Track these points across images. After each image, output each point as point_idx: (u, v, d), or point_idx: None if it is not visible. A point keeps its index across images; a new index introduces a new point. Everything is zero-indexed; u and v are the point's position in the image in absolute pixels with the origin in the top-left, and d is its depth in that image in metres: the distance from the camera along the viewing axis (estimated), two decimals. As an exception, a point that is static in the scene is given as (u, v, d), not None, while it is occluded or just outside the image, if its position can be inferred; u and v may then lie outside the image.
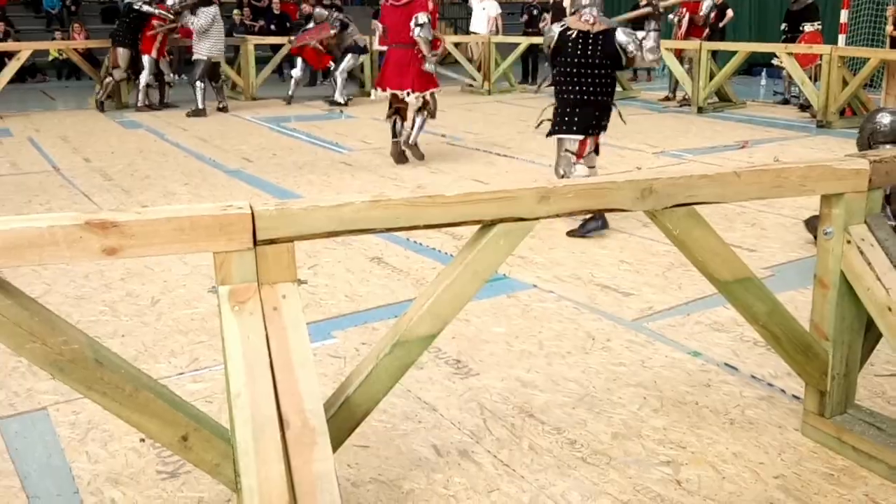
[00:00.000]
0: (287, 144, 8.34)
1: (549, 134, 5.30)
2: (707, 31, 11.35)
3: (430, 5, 6.83)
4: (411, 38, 6.76)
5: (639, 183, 2.28)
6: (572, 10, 5.24)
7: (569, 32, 5.00)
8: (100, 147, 7.99)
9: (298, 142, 8.49)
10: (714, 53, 10.76)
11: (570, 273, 4.35)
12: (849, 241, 2.40)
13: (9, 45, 12.59)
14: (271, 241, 1.88)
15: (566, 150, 5.20)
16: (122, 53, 10.35)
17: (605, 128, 5.24)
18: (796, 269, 4.34)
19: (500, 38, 13.64)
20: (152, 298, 3.85)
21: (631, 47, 4.87)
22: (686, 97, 11.06)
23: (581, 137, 5.10)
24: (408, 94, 6.95)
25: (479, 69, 13.26)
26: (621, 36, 4.89)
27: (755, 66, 13.87)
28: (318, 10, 11.53)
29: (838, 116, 9.17)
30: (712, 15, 11.30)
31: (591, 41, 4.93)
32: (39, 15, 16.39)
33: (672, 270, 4.31)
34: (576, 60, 4.95)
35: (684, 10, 11.57)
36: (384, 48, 7.41)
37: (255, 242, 1.86)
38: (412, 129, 7.25)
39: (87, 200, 5.80)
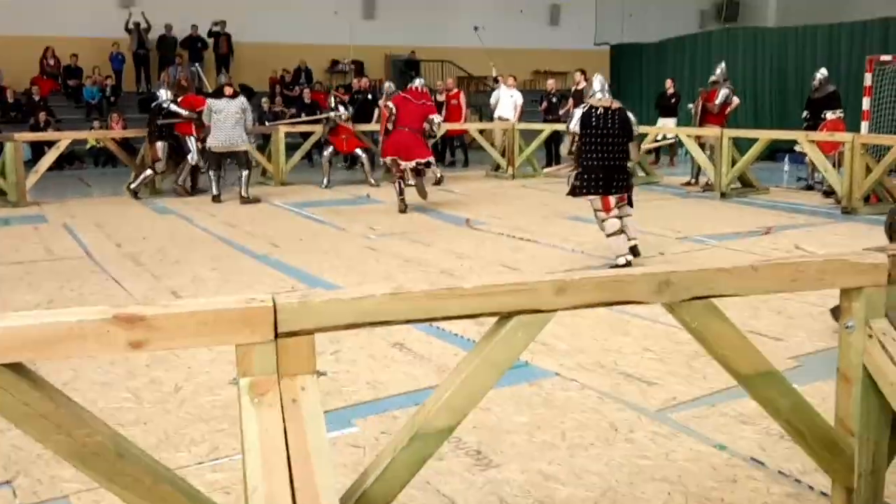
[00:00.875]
0: (314, 229, 8.50)
1: (577, 195, 6.52)
2: (725, 118, 11.60)
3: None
4: (420, 125, 9.42)
5: (656, 276, 2.30)
6: (590, 95, 6.54)
7: (594, 110, 6.31)
8: (132, 233, 8.20)
9: (325, 227, 8.64)
10: (735, 139, 10.90)
11: (593, 361, 4.33)
12: (870, 336, 2.38)
13: (48, 135, 13.10)
14: (292, 334, 1.92)
15: (595, 209, 6.55)
16: (161, 147, 10.77)
17: (630, 186, 6.51)
18: (824, 359, 4.27)
19: (525, 125, 13.94)
20: (175, 385, 3.88)
21: (634, 121, 6.42)
22: (709, 182, 11.15)
23: (602, 196, 6.37)
24: (422, 162, 9.36)
25: (502, 154, 13.52)
26: (630, 114, 6.42)
27: (777, 151, 13.98)
28: (388, 83, 12.47)
29: (863, 203, 9.16)
30: (729, 103, 11.58)
31: (611, 115, 6.30)
32: (80, 105, 17.07)
33: (697, 359, 4.26)
34: (601, 131, 6.25)
35: (701, 99, 11.87)
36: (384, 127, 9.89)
37: (277, 335, 1.90)
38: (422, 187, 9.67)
39: (118, 286, 5.92)
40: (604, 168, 6.26)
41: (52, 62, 17.41)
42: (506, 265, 6.61)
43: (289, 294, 1.98)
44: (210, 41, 18.42)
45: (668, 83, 14.70)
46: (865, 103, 11.72)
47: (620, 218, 6.43)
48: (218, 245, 7.57)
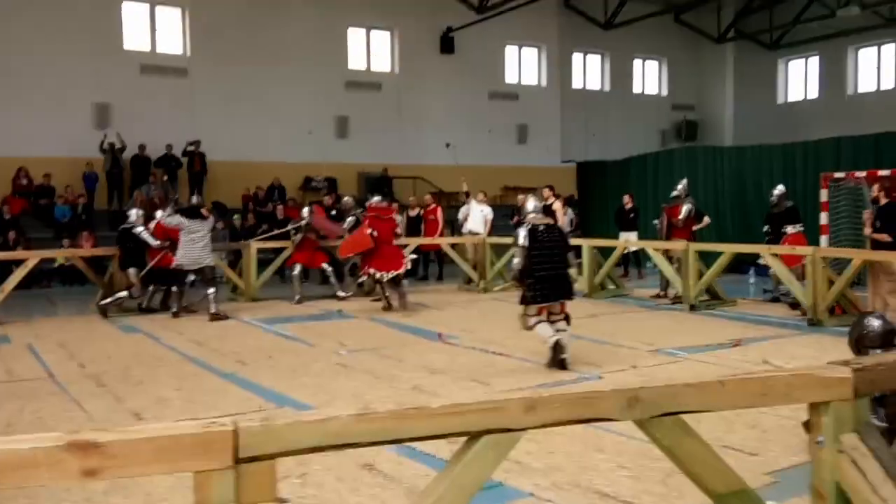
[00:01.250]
0: (283, 346, 8.40)
1: (533, 303, 7.04)
2: (690, 232, 11.92)
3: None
4: (393, 238, 10.97)
5: (625, 392, 2.29)
6: (528, 214, 7.31)
7: (537, 227, 7.08)
8: (96, 353, 8.03)
9: (294, 343, 8.55)
10: (700, 253, 11.15)
11: (568, 479, 4.23)
12: (841, 451, 2.37)
13: (16, 254, 13.01)
14: (254, 459, 1.86)
15: (549, 314, 7.05)
16: (133, 273, 10.76)
17: (572, 293, 7.31)
18: (800, 474, 4.20)
19: (496, 239, 14.16)
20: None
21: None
22: (678, 295, 11.29)
23: (559, 302, 7.11)
24: (399, 274, 10.66)
25: (474, 268, 13.66)
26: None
27: (743, 263, 14.28)
28: (347, 198, 12.90)
29: (828, 315, 9.30)
30: (690, 218, 11.97)
31: (552, 231, 7.22)
32: (50, 224, 17.06)
33: (672, 476, 4.17)
34: (547, 245, 7.03)
35: (665, 214, 12.24)
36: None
37: (237, 460, 1.84)
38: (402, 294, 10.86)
39: (78, 408, 5.74)
40: (553, 277, 7.04)
41: (24, 181, 17.51)
42: (478, 380, 6.54)
43: (251, 418, 1.93)
44: (184, 160, 18.72)
45: (626, 198, 15.12)
46: (823, 218, 12.11)
47: (549, 320, 7.15)
48: (183, 364, 7.43)
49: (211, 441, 1.81)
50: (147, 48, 19.39)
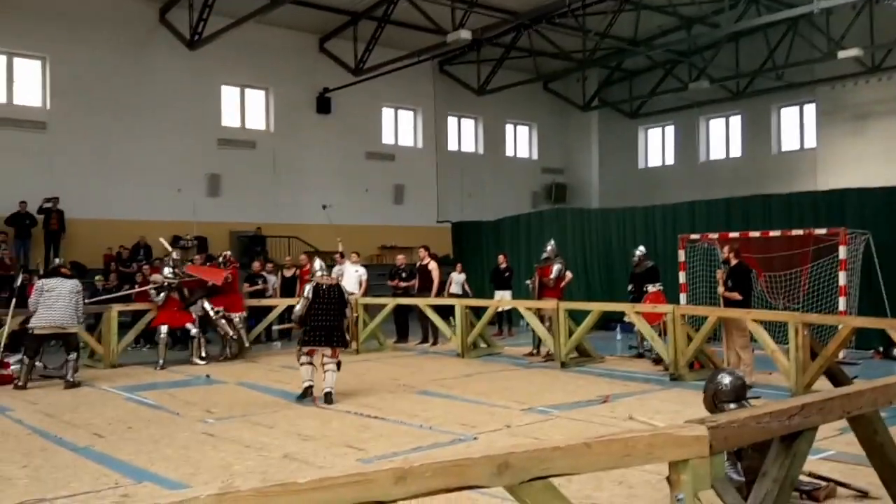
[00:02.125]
0: (145, 415, 7.93)
1: (306, 345, 8.55)
2: (560, 292, 12.33)
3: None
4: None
5: (495, 458, 2.30)
6: (314, 274, 8.93)
7: (320, 286, 8.64)
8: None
9: (158, 412, 8.09)
10: (570, 311, 11.52)
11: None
12: (700, 508, 2.45)
13: None
14: (101, 549, 1.72)
15: (323, 356, 8.49)
16: None
17: (345, 342, 8.90)
18: (665, 528, 4.35)
19: (370, 300, 14.10)
20: None
21: (349, 290, 9.09)
22: (550, 352, 11.57)
23: (324, 346, 8.49)
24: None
25: (347, 330, 13.47)
26: (344, 287, 9.10)
27: (610, 321, 14.86)
28: (157, 276, 12.37)
29: (688, 369, 9.78)
30: (563, 277, 12.41)
31: (332, 289, 8.69)
32: None
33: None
34: (325, 300, 8.55)
35: (537, 274, 12.62)
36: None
37: (82, 552, 1.69)
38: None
39: None
40: (326, 327, 8.50)
41: None
42: (352, 445, 6.40)
43: (101, 499, 1.79)
44: (40, 217, 17.65)
45: (501, 258, 15.50)
46: (682, 277, 12.84)
47: (311, 362, 8.60)
48: (32, 438, 6.85)
49: (51, 532, 1.66)
50: (2, 100, 18.37)
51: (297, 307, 8.65)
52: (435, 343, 13.85)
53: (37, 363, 10.21)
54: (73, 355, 9.81)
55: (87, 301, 12.23)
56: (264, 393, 9.19)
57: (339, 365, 8.56)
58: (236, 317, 12.46)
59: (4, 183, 17.24)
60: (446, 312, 12.96)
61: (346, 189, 22.42)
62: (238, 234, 20.54)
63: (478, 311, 12.83)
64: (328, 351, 8.48)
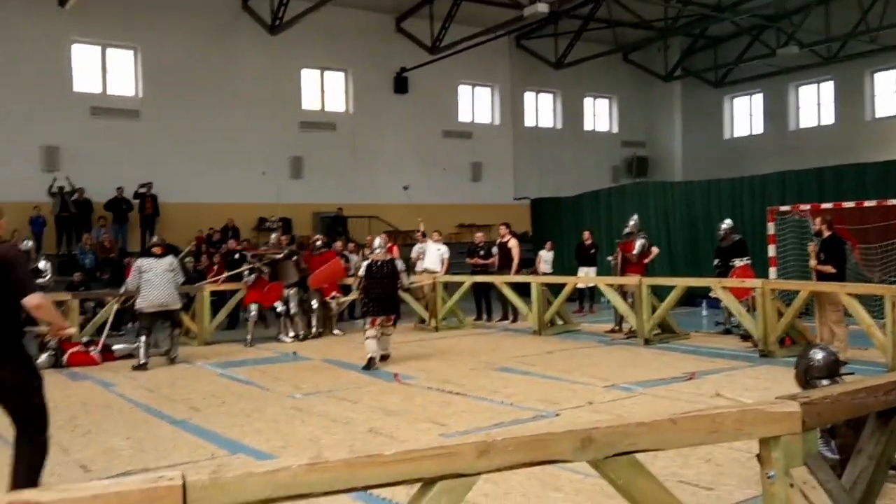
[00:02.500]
0: (236, 390, 8.25)
1: (365, 315, 9.65)
2: (644, 267, 12.11)
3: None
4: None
5: (578, 433, 2.30)
6: (371, 252, 10.05)
7: (374, 262, 9.68)
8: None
9: (249, 387, 8.40)
10: (654, 287, 11.32)
11: (525, 520, 4.20)
12: (791, 485, 2.40)
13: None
14: (202, 514, 1.82)
15: (381, 325, 9.48)
16: None
17: (397, 311, 9.91)
18: (755, 506, 4.26)
19: (448, 277, 14.18)
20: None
21: (401, 267, 9.76)
22: (632, 329, 11.41)
23: (376, 316, 9.46)
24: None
25: (426, 307, 13.64)
26: (399, 264, 9.84)
27: (695, 296, 14.54)
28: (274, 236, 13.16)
29: (779, 346, 9.49)
30: (644, 253, 12.18)
31: (384, 265, 9.64)
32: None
33: (630, 513, 4.19)
34: (378, 275, 9.57)
35: (619, 249, 12.41)
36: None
37: (185, 516, 1.79)
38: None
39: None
40: (381, 299, 9.51)
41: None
42: (435, 421, 6.49)
43: (200, 468, 1.89)
44: (136, 202, 18.45)
45: (586, 234, 15.34)
46: (771, 250, 12.41)
47: (378, 337, 9.44)
48: (134, 412, 7.23)
49: (158, 497, 1.76)
50: (98, 90, 19.20)
51: (356, 283, 10.13)
52: (514, 320, 13.85)
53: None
54: (176, 331, 10.25)
55: (195, 283, 12.86)
56: (348, 369, 9.41)
57: (395, 322, 9.84)
58: (334, 302, 12.86)
59: (102, 170, 18.07)
60: (527, 290, 12.93)
61: (424, 168, 22.56)
62: (320, 214, 20.96)
63: (557, 289, 12.75)
64: (385, 319, 9.54)
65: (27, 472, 4.31)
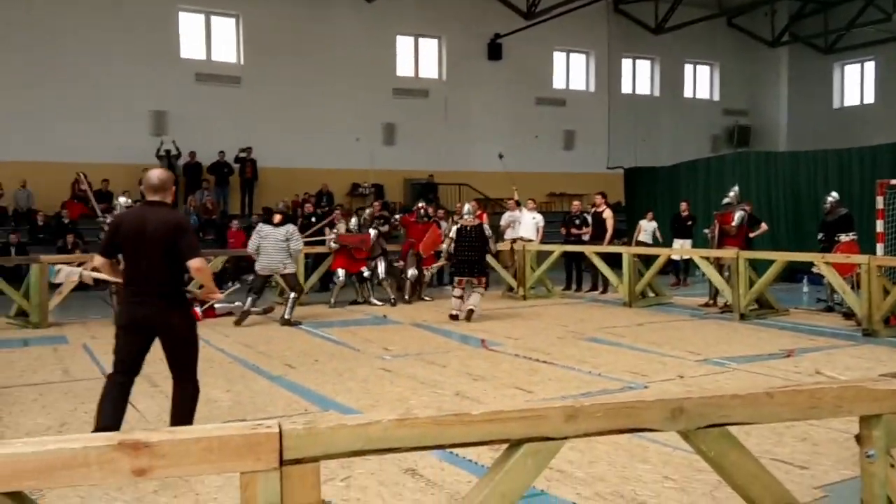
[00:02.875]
0: (329, 350, 8.49)
1: (454, 276, 10.74)
2: (743, 240, 11.68)
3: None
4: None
5: (669, 402, 2.27)
6: (461, 216, 10.83)
7: (463, 227, 10.50)
8: (149, 354, 8.19)
9: (340, 348, 8.63)
10: (752, 261, 10.94)
11: (611, 490, 4.19)
12: (892, 465, 2.31)
13: (72, 257, 13.37)
14: (298, 461, 1.90)
15: (468, 282, 10.51)
16: None
17: (485, 273, 10.77)
18: (852, 488, 4.09)
19: (537, 246, 14.06)
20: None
21: (488, 233, 10.51)
22: (727, 303, 11.09)
23: (474, 277, 10.48)
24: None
25: (514, 276, 13.63)
26: (487, 230, 10.56)
27: (797, 272, 13.98)
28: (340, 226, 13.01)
29: (884, 325, 9.04)
30: (745, 225, 11.69)
31: (472, 229, 10.44)
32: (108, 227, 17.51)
33: (720, 489, 4.11)
34: (466, 239, 10.40)
35: (717, 221, 11.99)
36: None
37: (282, 462, 1.87)
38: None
39: (131, 408, 5.87)
40: (469, 261, 10.40)
41: (83, 187, 18.03)
42: (521, 388, 6.52)
43: (294, 420, 1.97)
44: (236, 166, 19.08)
45: (683, 205, 14.93)
46: (879, 226, 11.77)
47: (463, 296, 10.48)
48: (233, 366, 7.55)
49: (257, 443, 1.85)
50: (203, 56, 19.85)
51: (444, 245, 10.89)
52: (604, 291, 13.68)
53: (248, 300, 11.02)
54: (292, 294, 10.59)
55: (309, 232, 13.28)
56: (437, 334, 9.53)
57: (486, 285, 10.71)
58: (428, 272, 13.09)
59: (206, 134, 18.74)
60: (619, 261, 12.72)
61: (516, 136, 22.37)
62: (411, 181, 21.15)
63: (650, 261, 12.49)
64: (474, 280, 10.45)
65: (189, 413, 4.97)
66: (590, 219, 14.49)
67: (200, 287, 5.33)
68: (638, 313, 11.39)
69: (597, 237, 14.10)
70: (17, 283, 10.92)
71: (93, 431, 4.63)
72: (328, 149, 20.11)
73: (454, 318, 10.35)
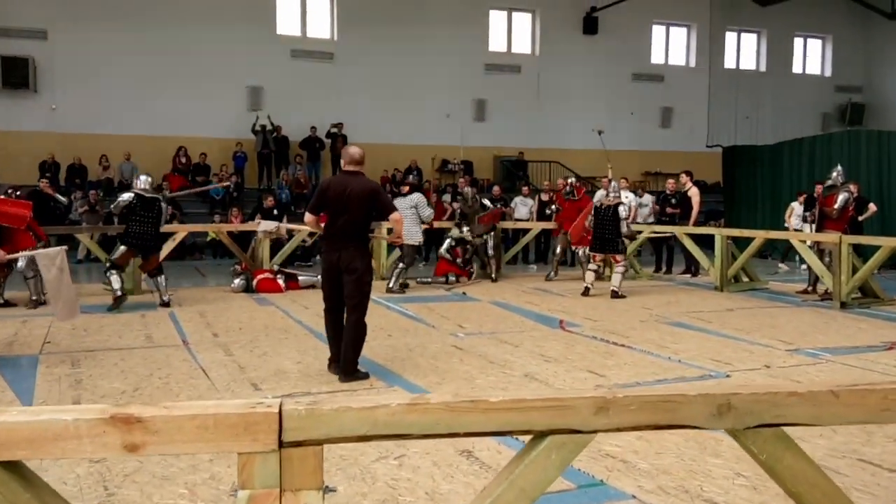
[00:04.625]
0: (404, 325, 8.47)
1: (593, 251, 11.11)
2: (845, 224, 10.89)
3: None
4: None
5: (715, 398, 2.05)
6: (604, 196, 11.35)
7: (601, 205, 10.96)
8: (230, 323, 8.42)
9: (416, 324, 8.59)
10: (857, 247, 10.22)
11: (676, 484, 3.95)
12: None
13: (169, 227, 13.85)
14: (298, 444, 1.80)
15: (604, 261, 11.47)
16: None
17: (618, 250, 10.89)
18: (946, 497, 3.73)
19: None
20: (233, 484, 3.80)
21: (622, 215, 10.72)
22: (827, 291, 10.43)
23: (611, 254, 11.00)
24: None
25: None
26: (622, 211, 10.75)
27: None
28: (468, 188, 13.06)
29: None
30: (850, 208, 10.86)
31: (608, 209, 10.79)
32: (206, 200, 18.14)
33: (793, 489, 3.81)
34: (602, 217, 10.85)
35: (818, 202, 11.22)
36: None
37: (281, 444, 1.78)
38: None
39: (203, 376, 6.01)
40: (604, 239, 10.82)
41: (183, 160, 18.71)
42: (594, 371, 6.30)
43: (297, 400, 1.87)
44: (327, 142, 19.34)
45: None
46: None
47: (596, 269, 11.23)
48: (308, 338, 7.62)
49: (254, 422, 1.76)
50: (298, 33, 20.15)
51: (586, 223, 11.38)
52: (696, 274, 13.14)
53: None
54: (401, 264, 10.89)
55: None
56: (514, 313, 9.36)
57: (622, 265, 10.89)
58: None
59: (299, 110, 19.07)
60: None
61: (611, 113, 21.72)
62: (501, 158, 20.92)
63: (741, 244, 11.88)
64: (616, 257, 10.90)
65: (356, 343, 5.91)
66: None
67: (390, 231, 6.67)
68: (730, 298, 10.88)
69: (684, 217, 13.53)
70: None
71: (329, 359, 6.07)
72: (418, 124, 20.11)
73: (586, 293, 10.69)
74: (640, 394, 2.03)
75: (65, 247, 6.86)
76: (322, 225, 6.14)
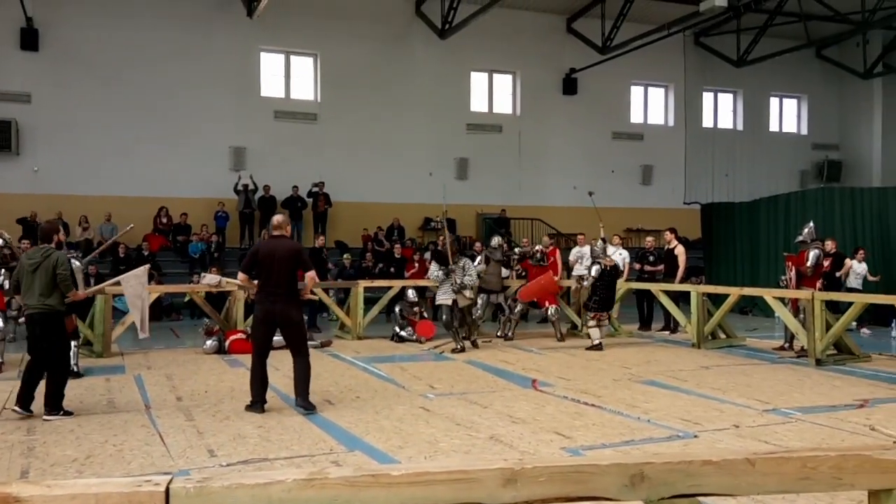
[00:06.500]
0: (374, 386, 8.36)
1: (597, 311, 11.36)
2: (822, 280, 10.92)
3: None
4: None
5: (627, 468, 2.01)
6: (599, 257, 11.49)
7: (605, 267, 11.32)
8: (197, 386, 8.29)
9: (386, 384, 8.49)
10: (834, 304, 10.22)
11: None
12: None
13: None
14: (186, 524, 1.74)
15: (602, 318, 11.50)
16: None
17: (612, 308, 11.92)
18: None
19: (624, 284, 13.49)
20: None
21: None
22: (803, 348, 10.40)
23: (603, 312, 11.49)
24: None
25: (577, 313, 13.14)
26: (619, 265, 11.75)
27: (886, 314, 13.06)
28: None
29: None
30: (825, 264, 10.88)
31: (612, 269, 11.47)
32: (186, 259, 18.08)
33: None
34: (607, 278, 11.37)
35: (790, 263, 11.22)
36: None
37: (168, 524, 1.72)
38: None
39: (160, 442, 5.89)
40: (605, 298, 11.37)
41: (164, 220, 18.72)
42: (560, 433, 6.20)
43: (189, 478, 1.81)
44: (309, 200, 19.41)
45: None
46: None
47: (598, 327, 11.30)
48: (273, 400, 7.46)
49: (139, 502, 1.70)
50: (281, 94, 20.40)
51: (585, 283, 11.74)
52: (674, 331, 13.10)
53: None
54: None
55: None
56: (487, 372, 9.28)
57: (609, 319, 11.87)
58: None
59: (281, 170, 19.19)
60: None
61: (592, 170, 21.97)
62: (484, 215, 21.04)
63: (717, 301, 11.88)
64: (606, 314, 11.56)
65: (304, 378, 6.93)
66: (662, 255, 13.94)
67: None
68: (706, 355, 10.83)
69: (669, 274, 13.52)
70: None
71: (249, 403, 6.95)
72: (401, 183, 20.26)
73: (598, 348, 11.04)
74: (549, 464, 1.99)
75: (148, 265, 8.81)
76: (255, 282, 7.09)
